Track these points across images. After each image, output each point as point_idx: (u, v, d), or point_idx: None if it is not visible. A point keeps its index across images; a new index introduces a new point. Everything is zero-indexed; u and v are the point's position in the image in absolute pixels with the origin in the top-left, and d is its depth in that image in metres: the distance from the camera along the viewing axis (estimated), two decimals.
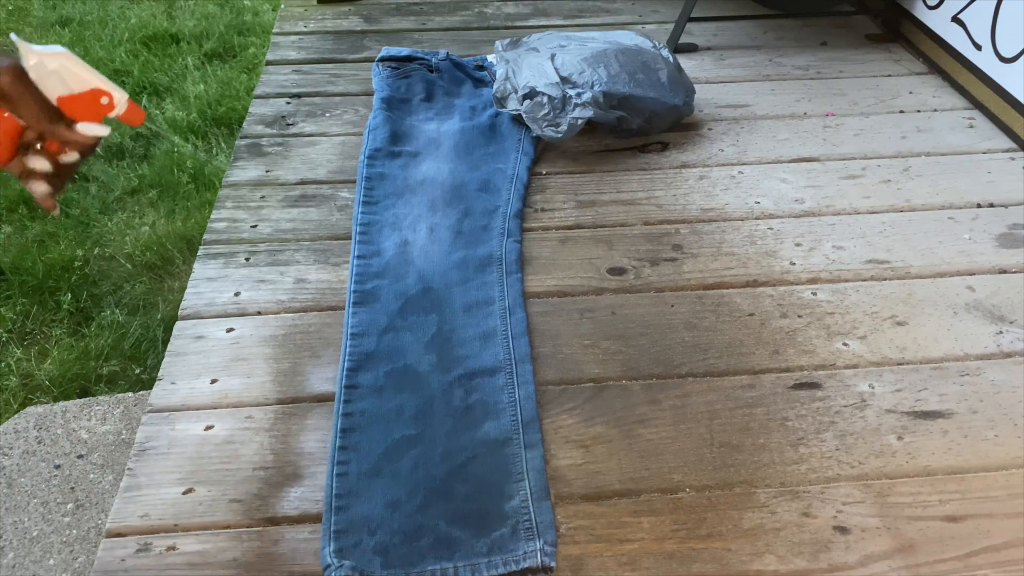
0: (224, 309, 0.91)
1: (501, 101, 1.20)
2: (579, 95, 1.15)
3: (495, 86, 1.22)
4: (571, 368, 0.85)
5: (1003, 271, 0.98)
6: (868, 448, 0.77)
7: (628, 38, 1.26)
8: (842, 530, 0.70)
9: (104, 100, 0.66)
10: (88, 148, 0.67)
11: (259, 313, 0.91)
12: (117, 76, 2.71)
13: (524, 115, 1.17)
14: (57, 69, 0.65)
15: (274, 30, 1.54)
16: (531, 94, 1.17)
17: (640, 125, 1.19)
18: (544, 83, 1.17)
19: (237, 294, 0.93)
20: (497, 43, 1.31)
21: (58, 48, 0.65)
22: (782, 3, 1.55)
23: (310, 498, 0.72)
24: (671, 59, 1.24)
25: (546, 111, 1.15)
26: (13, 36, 0.63)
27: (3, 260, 1.82)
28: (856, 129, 1.25)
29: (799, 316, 0.91)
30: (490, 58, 1.37)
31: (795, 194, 1.10)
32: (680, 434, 0.78)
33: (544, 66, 1.18)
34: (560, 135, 1.15)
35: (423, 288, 0.93)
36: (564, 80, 1.17)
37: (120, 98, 0.66)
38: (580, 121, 1.14)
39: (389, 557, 0.67)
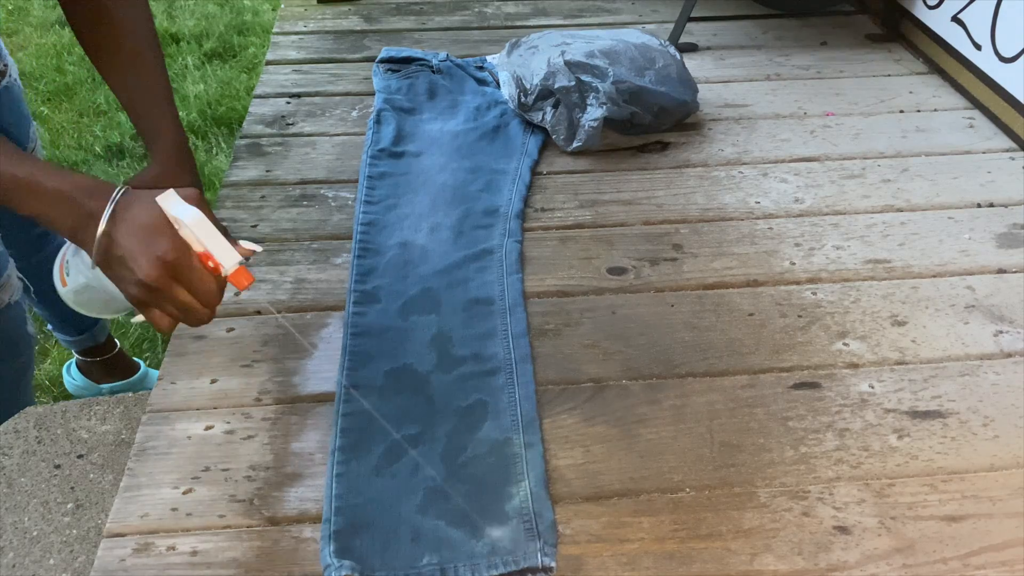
0: (224, 309, 0.91)
1: (525, 107, 1.20)
2: (594, 86, 1.15)
3: (506, 92, 1.22)
4: (571, 368, 0.85)
5: (1003, 271, 0.98)
6: (868, 448, 0.77)
7: (634, 36, 1.26)
8: (842, 530, 0.70)
9: (211, 263, 0.69)
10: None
11: (259, 313, 0.91)
12: None
13: (548, 127, 1.18)
14: (184, 233, 0.68)
15: (274, 30, 1.54)
16: (545, 93, 1.18)
17: (649, 121, 1.19)
18: (557, 78, 1.16)
19: (237, 294, 0.93)
20: (499, 56, 1.30)
21: (190, 213, 0.68)
22: (782, 3, 1.55)
23: (310, 498, 0.72)
24: (678, 56, 1.24)
25: (567, 121, 1.16)
26: (159, 198, 0.67)
27: None
28: (856, 129, 1.25)
29: (799, 316, 0.91)
30: (490, 59, 1.37)
31: (795, 194, 1.10)
32: (680, 434, 0.78)
33: (555, 61, 1.18)
34: (582, 143, 1.16)
35: (423, 288, 0.93)
36: (576, 71, 1.16)
37: (228, 265, 0.69)
38: (597, 124, 1.14)
39: (389, 557, 0.67)
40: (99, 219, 0.67)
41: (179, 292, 0.68)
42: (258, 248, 0.75)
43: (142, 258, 0.66)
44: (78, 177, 0.69)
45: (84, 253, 0.74)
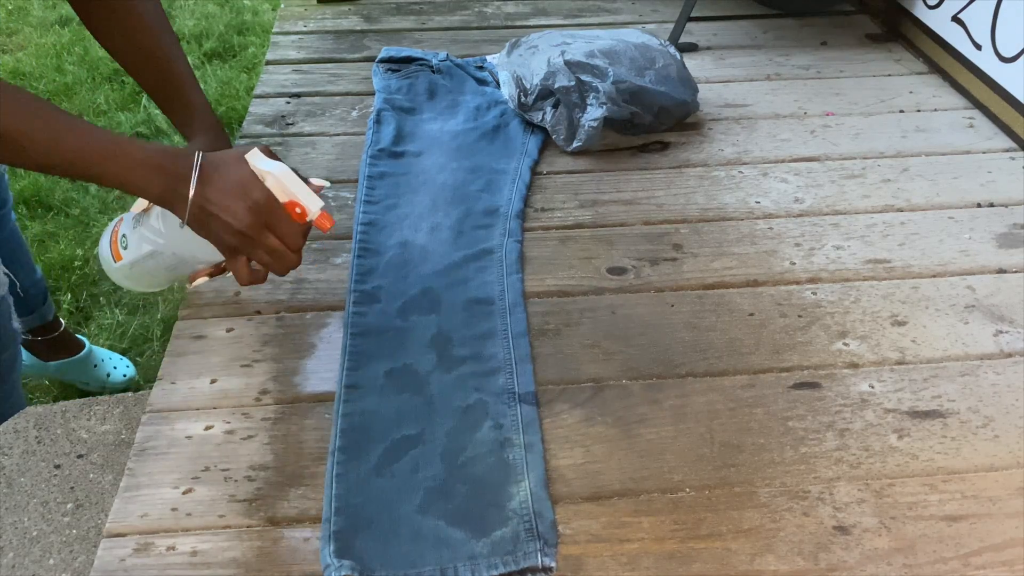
0: (224, 309, 0.91)
1: (525, 107, 1.20)
2: (594, 86, 1.15)
3: (506, 92, 1.22)
4: (571, 368, 0.85)
5: (1003, 271, 0.98)
6: (868, 448, 0.77)
7: (634, 36, 1.26)
8: (842, 530, 0.70)
9: (297, 210, 0.77)
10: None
11: (258, 313, 0.91)
12: (117, 75, 2.72)
13: (548, 127, 1.18)
14: (270, 184, 0.76)
15: (274, 29, 1.54)
16: (545, 93, 1.17)
17: (650, 121, 1.19)
18: (557, 78, 1.16)
19: (237, 293, 0.93)
20: (499, 55, 1.30)
21: (277, 165, 0.76)
22: (782, 3, 1.55)
23: (310, 498, 0.72)
24: (678, 56, 1.24)
25: (567, 121, 1.16)
26: (248, 156, 0.76)
27: None
28: (856, 129, 1.25)
29: (799, 316, 0.91)
30: (490, 59, 1.37)
31: (795, 194, 1.10)
32: (680, 434, 0.78)
33: (555, 61, 1.18)
34: (582, 143, 1.16)
35: (423, 288, 0.93)
36: (576, 71, 1.16)
37: (313, 210, 0.77)
38: (597, 123, 1.14)
39: (389, 557, 0.67)
40: (189, 180, 0.74)
41: (270, 238, 0.77)
42: (326, 183, 0.84)
43: (237, 208, 0.74)
44: (158, 145, 0.76)
45: (151, 221, 0.81)
